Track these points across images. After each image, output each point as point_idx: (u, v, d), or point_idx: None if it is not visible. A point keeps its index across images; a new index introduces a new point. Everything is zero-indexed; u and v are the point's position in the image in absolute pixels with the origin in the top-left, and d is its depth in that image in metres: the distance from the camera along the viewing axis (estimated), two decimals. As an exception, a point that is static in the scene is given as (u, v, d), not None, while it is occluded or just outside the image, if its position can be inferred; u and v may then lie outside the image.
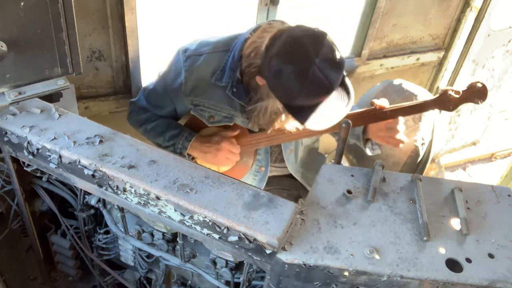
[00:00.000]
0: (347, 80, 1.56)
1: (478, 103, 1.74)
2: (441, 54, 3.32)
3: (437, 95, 1.77)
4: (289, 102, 1.51)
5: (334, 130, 1.82)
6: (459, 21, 3.19)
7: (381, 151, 2.25)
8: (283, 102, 1.54)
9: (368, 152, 1.93)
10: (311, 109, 1.50)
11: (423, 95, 2.26)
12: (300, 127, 1.73)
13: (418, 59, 3.25)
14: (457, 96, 1.74)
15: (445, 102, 1.75)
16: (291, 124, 1.73)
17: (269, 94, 1.59)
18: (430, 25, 3.14)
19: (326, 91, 1.46)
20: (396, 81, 2.34)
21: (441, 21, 3.16)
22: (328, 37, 1.48)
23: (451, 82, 3.45)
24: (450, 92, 1.73)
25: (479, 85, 1.71)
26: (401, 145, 1.75)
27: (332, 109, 1.52)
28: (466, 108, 3.66)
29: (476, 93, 1.72)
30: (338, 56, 1.46)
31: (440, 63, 3.38)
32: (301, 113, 1.51)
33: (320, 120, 1.53)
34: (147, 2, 5.63)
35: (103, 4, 2.11)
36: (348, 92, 1.56)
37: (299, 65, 1.42)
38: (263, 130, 1.85)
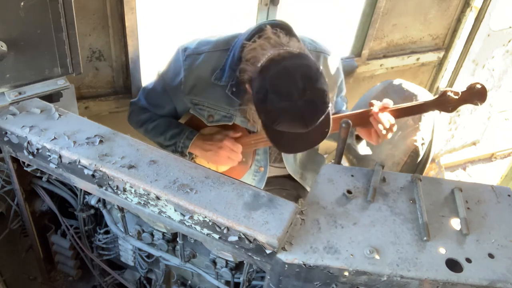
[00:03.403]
0: (329, 116, 1.58)
1: (478, 105, 1.70)
2: (441, 54, 3.31)
3: (436, 96, 1.75)
4: (268, 125, 1.55)
5: (333, 131, 1.82)
6: (459, 21, 3.19)
7: (381, 151, 2.25)
8: (263, 122, 1.57)
9: (360, 151, 1.92)
10: (287, 136, 1.54)
11: (423, 95, 2.26)
12: None
13: (418, 59, 3.25)
14: (456, 97, 1.72)
15: (444, 103, 1.73)
16: None
17: None
18: (430, 25, 3.14)
19: (305, 126, 1.49)
20: (396, 81, 2.34)
21: (441, 21, 3.16)
22: (322, 79, 1.48)
23: (451, 82, 3.45)
24: (449, 93, 1.71)
25: (479, 86, 1.68)
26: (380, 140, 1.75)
27: (309, 139, 1.58)
28: (466, 108, 3.65)
29: (476, 94, 1.70)
30: (325, 102, 1.48)
31: (440, 63, 3.38)
32: (277, 136, 1.56)
33: (291, 146, 1.61)
34: (147, 2, 5.63)
35: (103, 4, 2.11)
36: (328, 126, 1.58)
37: (285, 99, 1.45)
38: None
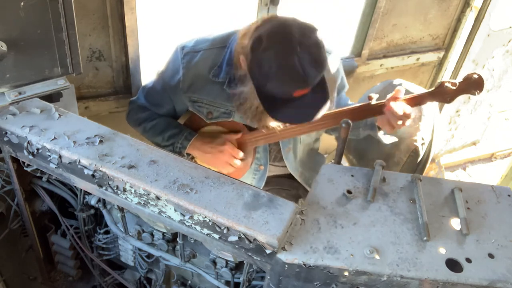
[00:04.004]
0: (326, 85, 1.54)
1: (475, 94, 1.76)
2: (441, 54, 3.31)
3: (434, 87, 1.78)
4: (261, 85, 1.49)
5: (334, 125, 1.82)
6: (459, 21, 3.18)
7: (381, 150, 2.24)
8: (256, 85, 1.52)
9: (384, 140, 1.91)
10: (282, 102, 1.48)
11: (423, 95, 2.26)
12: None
13: (418, 59, 3.25)
14: (454, 87, 1.75)
15: (442, 94, 1.77)
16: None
17: (249, 79, 1.59)
18: (430, 25, 3.14)
19: (299, 83, 1.43)
20: (396, 81, 2.34)
21: (441, 21, 3.15)
22: (319, 33, 1.47)
23: (451, 82, 3.44)
24: (447, 84, 1.76)
25: (476, 76, 1.73)
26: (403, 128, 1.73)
27: (304, 109, 1.51)
28: (466, 108, 3.66)
29: (473, 84, 1.74)
30: (321, 55, 1.45)
31: (440, 63, 3.38)
32: (271, 102, 1.50)
33: (287, 115, 1.51)
34: (147, 2, 5.63)
35: (103, 4, 2.11)
36: (325, 98, 1.53)
37: (280, 49, 1.41)
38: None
